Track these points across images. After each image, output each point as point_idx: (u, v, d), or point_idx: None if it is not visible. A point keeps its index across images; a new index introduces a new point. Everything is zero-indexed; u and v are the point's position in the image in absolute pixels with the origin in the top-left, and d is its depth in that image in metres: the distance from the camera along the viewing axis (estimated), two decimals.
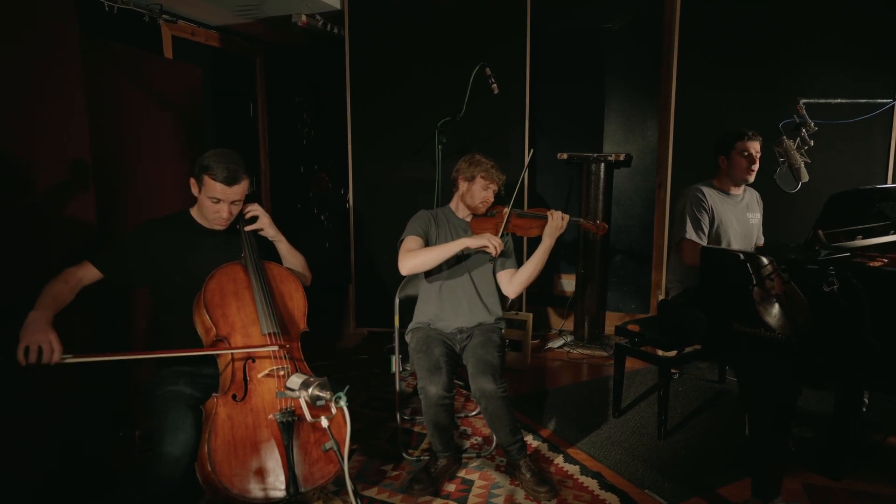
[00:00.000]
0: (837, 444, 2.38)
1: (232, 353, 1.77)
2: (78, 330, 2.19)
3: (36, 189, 2.05)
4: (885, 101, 2.39)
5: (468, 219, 2.53)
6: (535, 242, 2.44)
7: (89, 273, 1.85)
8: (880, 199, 2.32)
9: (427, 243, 2.42)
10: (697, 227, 2.67)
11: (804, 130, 2.30)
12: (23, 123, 2.00)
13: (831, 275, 1.76)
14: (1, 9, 1.93)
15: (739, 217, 2.80)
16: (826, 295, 1.77)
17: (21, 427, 1.99)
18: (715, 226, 2.72)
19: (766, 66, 3.35)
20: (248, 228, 2.00)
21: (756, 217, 2.88)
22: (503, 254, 2.42)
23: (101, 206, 2.28)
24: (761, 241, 2.93)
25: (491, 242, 2.21)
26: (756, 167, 2.69)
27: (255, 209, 2.03)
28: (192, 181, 1.92)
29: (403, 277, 2.60)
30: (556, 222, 2.36)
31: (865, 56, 3.20)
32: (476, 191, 2.45)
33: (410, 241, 2.38)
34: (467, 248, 2.28)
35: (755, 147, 2.66)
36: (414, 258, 2.28)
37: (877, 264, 1.95)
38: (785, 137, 2.30)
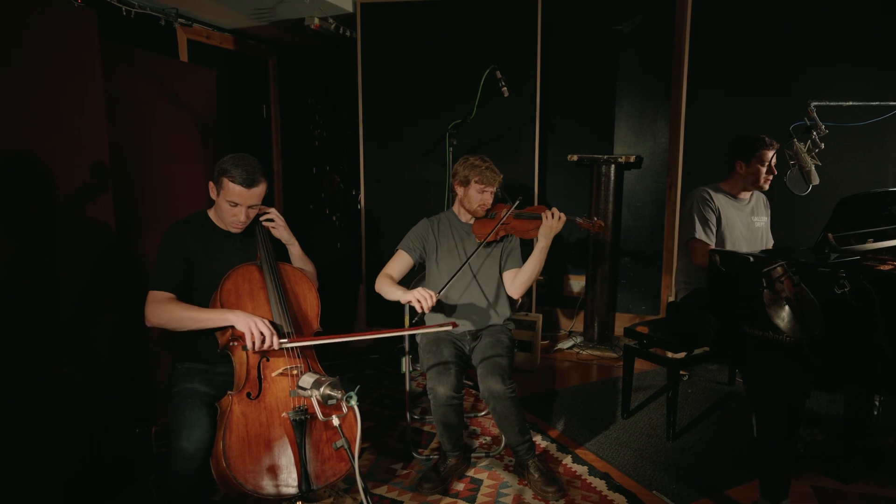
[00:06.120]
0: (848, 447, 2.37)
1: (247, 355, 1.80)
2: (103, 329, 2.25)
3: (55, 189, 2.10)
4: None
5: (471, 222, 2.54)
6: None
7: (164, 295, 1.88)
8: (892, 202, 2.30)
9: (423, 256, 2.51)
10: (706, 227, 2.67)
11: (815, 133, 2.29)
12: (43, 125, 2.05)
13: (843, 277, 1.76)
14: (23, 13, 1.98)
15: (745, 220, 2.80)
16: (837, 298, 1.77)
17: (50, 422, 2.04)
18: (721, 227, 2.72)
19: (777, 70, 3.34)
20: (264, 224, 2.05)
21: (762, 220, 2.88)
22: (503, 255, 2.43)
23: (117, 207, 2.33)
24: (771, 245, 2.93)
25: (416, 297, 2.15)
26: (773, 176, 2.69)
27: (271, 212, 2.07)
28: (211, 184, 1.96)
29: (414, 278, 2.63)
30: (551, 222, 2.33)
31: (878, 59, 3.18)
32: (472, 195, 2.44)
33: (395, 259, 2.48)
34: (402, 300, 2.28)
35: (774, 157, 2.67)
36: (379, 285, 2.38)
37: (887, 268, 1.94)
38: (795, 140, 2.29)
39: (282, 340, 1.80)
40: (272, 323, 1.82)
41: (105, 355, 2.28)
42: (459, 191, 2.50)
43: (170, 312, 1.84)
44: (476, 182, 2.42)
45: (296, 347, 1.85)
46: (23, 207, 2.00)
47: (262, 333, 1.75)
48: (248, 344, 1.74)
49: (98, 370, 2.25)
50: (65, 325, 2.12)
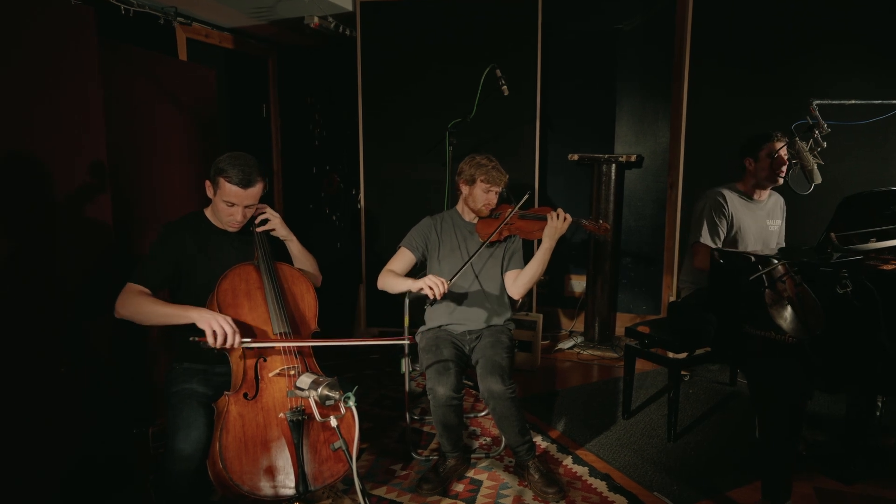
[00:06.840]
0: (850, 448, 2.36)
1: (244, 353, 1.80)
2: (103, 329, 2.25)
3: (55, 189, 2.10)
4: None
5: (475, 221, 2.53)
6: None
7: (138, 288, 1.88)
8: (894, 201, 2.29)
9: (425, 254, 2.50)
10: (713, 233, 2.65)
11: (817, 132, 2.27)
12: (43, 125, 2.05)
13: (845, 277, 1.75)
14: (22, 13, 1.97)
15: (759, 223, 2.77)
16: (839, 297, 1.75)
17: (50, 422, 2.04)
18: (733, 232, 2.69)
19: (778, 69, 3.32)
20: (260, 229, 2.03)
21: (776, 224, 2.85)
22: (506, 256, 2.41)
23: (117, 206, 2.33)
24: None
25: (428, 284, 2.17)
26: (784, 169, 2.65)
27: (266, 212, 2.05)
28: (208, 183, 1.95)
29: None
30: (556, 224, 2.31)
31: (879, 59, 3.16)
32: (478, 194, 2.43)
33: (398, 256, 2.48)
34: (409, 291, 2.30)
35: (783, 149, 2.63)
36: (383, 281, 2.40)
37: (890, 267, 1.93)
38: (798, 139, 2.28)
39: (244, 340, 1.75)
40: (235, 320, 1.78)
41: (105, 355, 2.28)
42: (464, 189, 2.48)
43: (139, 305, 1.82)
44: (482, 181, 2.40)
45: (256, 347, 1.80)
46: (23, 207, 1.99)
47: (223, 331, 1.71)
48: (210, 341, 1.70)
49: (98, 370, 2.24)
50: (65, 325, 2.12)
